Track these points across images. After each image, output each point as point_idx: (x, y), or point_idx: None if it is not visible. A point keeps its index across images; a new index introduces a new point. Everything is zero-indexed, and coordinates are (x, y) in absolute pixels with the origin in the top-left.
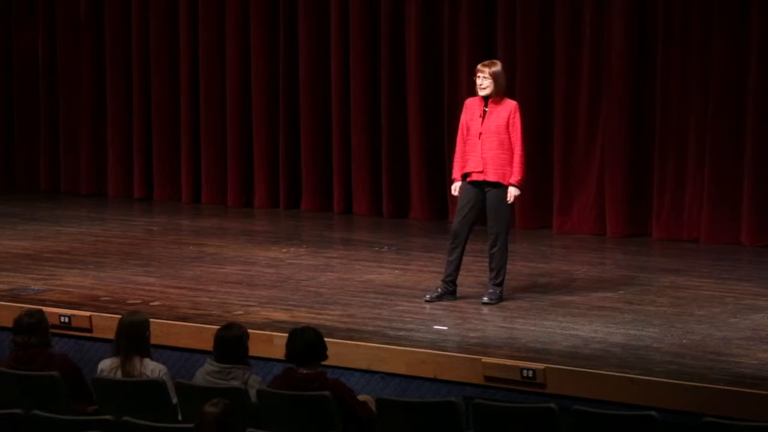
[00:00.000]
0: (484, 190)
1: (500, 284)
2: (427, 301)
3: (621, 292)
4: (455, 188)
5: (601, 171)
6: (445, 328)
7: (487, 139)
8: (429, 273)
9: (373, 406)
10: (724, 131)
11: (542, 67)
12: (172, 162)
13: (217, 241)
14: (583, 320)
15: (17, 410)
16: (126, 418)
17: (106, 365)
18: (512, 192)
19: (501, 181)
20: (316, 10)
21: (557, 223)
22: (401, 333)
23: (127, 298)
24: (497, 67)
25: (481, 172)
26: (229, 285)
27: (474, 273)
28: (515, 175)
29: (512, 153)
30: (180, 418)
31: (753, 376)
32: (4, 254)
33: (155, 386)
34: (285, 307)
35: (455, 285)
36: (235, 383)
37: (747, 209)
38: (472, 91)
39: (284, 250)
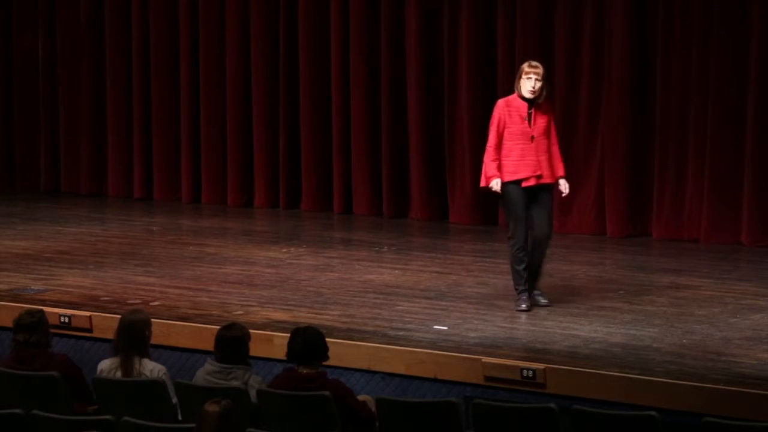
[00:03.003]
0: (534, 193)
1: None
2: (523, 310)
3: (621, 292)
4: (497, 184)
5: (601, 171)
6: (445, 328)
7: (541, 142)
8: (429, 273)
9: (373, 406)
10: (724, 131)
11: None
12: (172, 162)
13: (217, 241)
14: (583, 320)
15: (17, 410)
16: (126, 418)
17: (106, 365)
18: (566, 183)
19: (553, 182)
20: (316, 10)
21: (557, 223)
22: (401, 333)
23: (127, 298)
24: (543, 68)
25: (540, 176)
26: (229, 285)
27: (474, 273)
28: (562, 168)
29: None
30: (180, 418)
31: (753, 376)
32: (4, 254)
33: (155, 386)
34: (285, 307)
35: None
36: (236, 383)
37: (747, 209)
38: (473, 90)
39: (284, 250)
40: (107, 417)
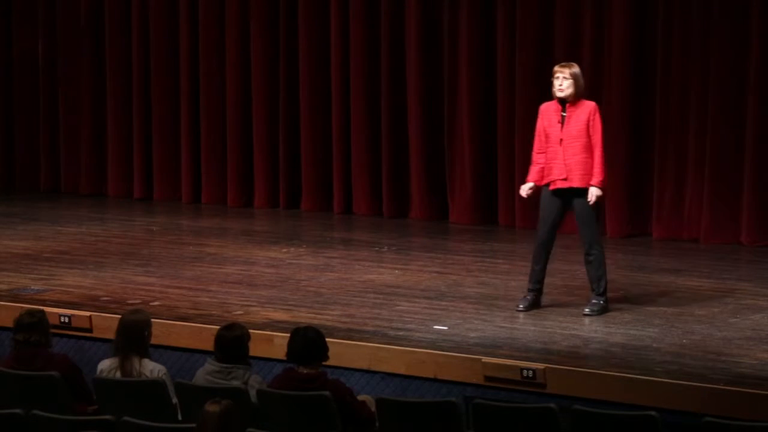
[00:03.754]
0: (567, 198)
1: (603, 294)
2: (520, 310)
3: (621, 292)
4: (524, 189)
5: None
6: (445, 328)
7: (570, 144)
8: (429, 273)
9: (373, 406)
10: (724, 131)
11: (542, 67)
12: (172, 162)
13: (217, 241)
14: (583, 320)
15: (17, 410)
16: (126, 418)
17: (106, 365)
18: (594, 192)
19: (587, 186)
20: (316, 11)
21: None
22: (401, 333)
23: (127, 298)
24: (576, 68)
25: (565, 179)
26: (229, 285)
27: (474, 273)
28: (596, 176)
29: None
30: (180, 418)
31: (753, 376)
32: (4, 254)
33: (155, 386)
34: (285, 307)
35: (542, 292)
36: (236, 383)
37: (747, 209)
38: (473, 90)
39: (284, 250)
40: (107, 417)
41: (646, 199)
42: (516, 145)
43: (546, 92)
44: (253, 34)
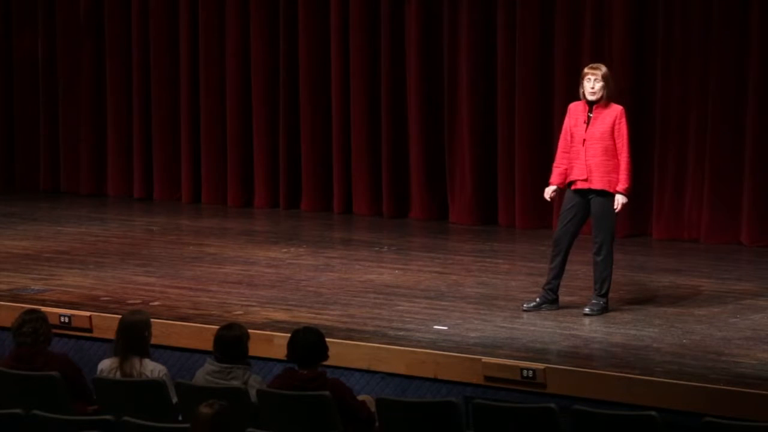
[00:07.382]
0: (588, 198)
1: (604, 295)
2: (524, 310)
3: (621, 292)
4: (548, 192)
5: None
6: (445, 328)
7: (592, 145)
8: (429, 273)
9: (373, 406)
10: (724, 131)
11: (542, 67)
12: (172, 162)
13: (217, 241)
14: (583, 320)
15: (17, 410)
16: (126, 418)
17: (106, 365)
18: (619, 200)
19: (607, 188)
20: (316, 10)
21: (557, 224)
22: (401, 333)
23: (127, 298)
24: (606, 69)
25: (585, 180)
26: (229, 285)
27: (474, 273)
28: (622, 183)
29: (618, 159)
30: (180, 418)
31: (753, 376)
32: (4, 254)
33: (155, 386)
34: (285, 307)
35: (556, 294)
36: (236, 383)
37: (747, 209)
38: (473, 90)
39: (284, 250)
40: (107, 417)
41: (646, 199)
42: (516, 146)
43: (545, 92)
44: (253, 34)
